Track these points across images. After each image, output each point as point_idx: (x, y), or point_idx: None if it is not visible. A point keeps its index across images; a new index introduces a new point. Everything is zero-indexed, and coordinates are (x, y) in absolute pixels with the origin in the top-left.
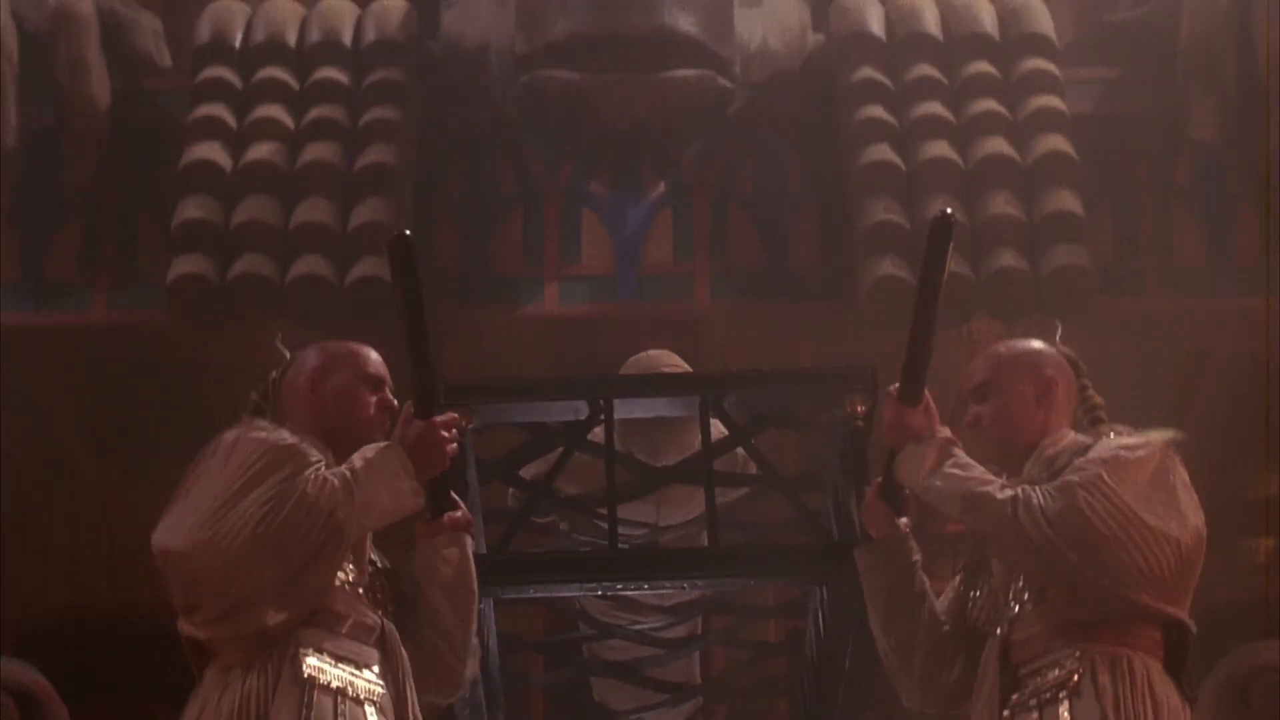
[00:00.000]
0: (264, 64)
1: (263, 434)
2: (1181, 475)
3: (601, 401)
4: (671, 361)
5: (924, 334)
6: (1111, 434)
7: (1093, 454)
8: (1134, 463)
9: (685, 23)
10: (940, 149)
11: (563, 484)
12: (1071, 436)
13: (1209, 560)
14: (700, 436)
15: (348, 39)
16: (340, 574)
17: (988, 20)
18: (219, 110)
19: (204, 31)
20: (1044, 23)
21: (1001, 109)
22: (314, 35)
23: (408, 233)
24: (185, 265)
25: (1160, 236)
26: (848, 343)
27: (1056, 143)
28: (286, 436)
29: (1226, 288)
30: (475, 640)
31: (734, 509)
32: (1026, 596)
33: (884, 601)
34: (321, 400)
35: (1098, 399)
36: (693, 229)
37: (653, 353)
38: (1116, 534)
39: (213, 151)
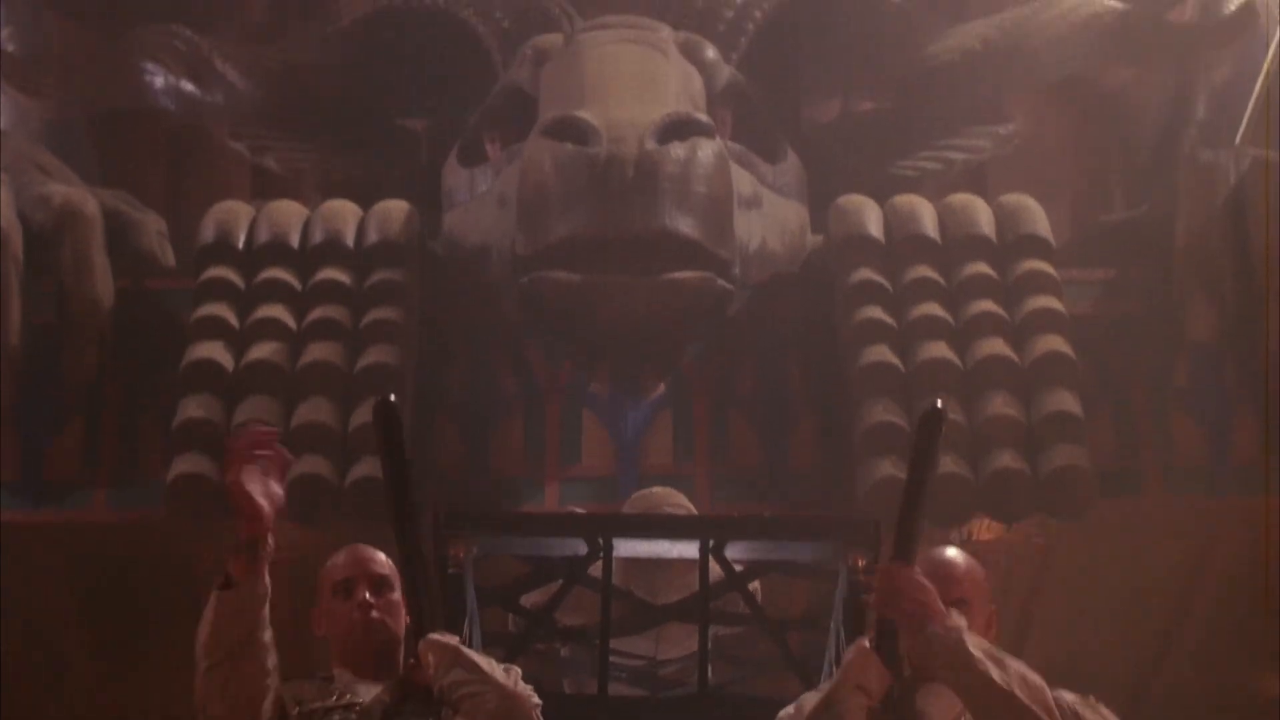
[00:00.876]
0: (267, 264)
1: None
2: None
3: (601, 540)
4: (675, 501)
5: (912, 516)
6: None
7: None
8: None
9: (685, 225)
10: (939, 350)
11: (563, 615)
12: None
13: None
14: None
15: (350, 239)
16: None
17: (985, 222)
18: (221, 310)
19: (208, 232)
20: (1040, 224)
21: (999, 310)
22: (317, 236)
23: (391, 398)
24: (186, 464)
25: (1159, 436)
26: None
27: (1054, 343)
28: None
29: (1226, 486)
30: None
31: (738, 642)
32: None
33: None
34: (322, 632)
35: None
36: (693, 430)
37: (657, 490)
38: None
39: (215, 351)
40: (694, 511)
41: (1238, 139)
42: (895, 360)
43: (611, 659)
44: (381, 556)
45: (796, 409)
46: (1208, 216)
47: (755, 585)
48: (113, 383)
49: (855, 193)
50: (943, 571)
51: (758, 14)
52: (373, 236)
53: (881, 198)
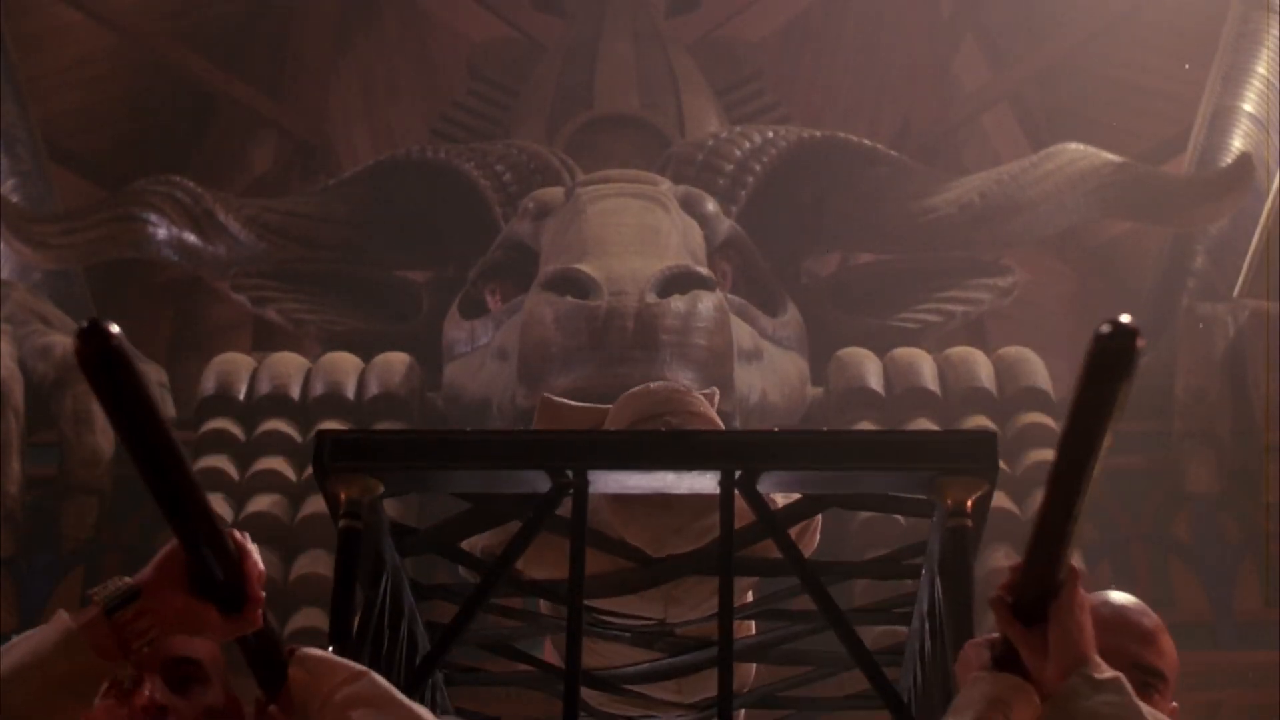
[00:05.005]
0: (267, 416)
1: None
2: None
3: (571, 473)
4: (684, 405)
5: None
6: None
7: None
8: None
9: (686, 378)
10: None
11: (530, 565)
12: None
13: None
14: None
15: (351, 392)
16: None
17: (984, 375)
18: (221, 462)
19: (209, 383)
20: (1040, 377)
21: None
22: (318, 388)
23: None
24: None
25: (1160, 590)
26: None
27: None
28: None
29: (1229, 640)
30: None
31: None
32: None
33: None
34: None
35: None
36: None
37: (656, 388)
38: None
39: (214, 503)
40: (714, 420)
41: (1236, 291)
42: (898, 516)
43: (606, 618)
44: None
45: None
46: (1207, 369)
47: (805, 532)
48: (113, 534)
49: (855, 345)
50: (1130, 621)
51: (757, 167)
52: (373, 389)
53: (881, 350)
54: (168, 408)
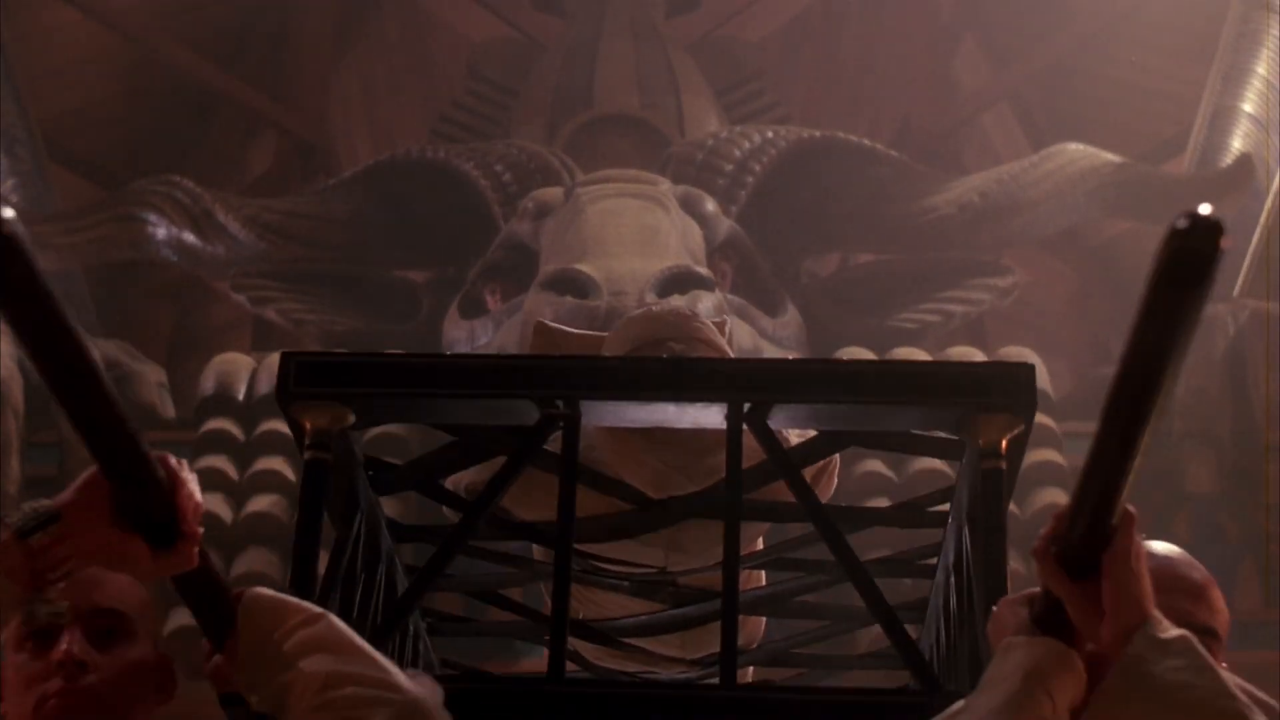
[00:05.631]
0: (267, 416)
1: None
2: None
3: (561, 404)
4: (689, 331)
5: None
6: None
7: None
8: None
9: None
10: None
11: (518, 504)
12: None
13: None
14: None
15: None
16: None
17: None
18: (221, 462)
19: (208, 384)
20: (1040, 378)
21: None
22: None
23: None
24: (183, 617)
25: None
26: None
27: (1054, 496)
28: None
29: (1229, 640)
30: None
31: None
32: None
33: None
34: None
35: None
36: None
37: (659, 310)
38: None
39: (214, 503)
40: (723, 350)
41: (1236, 291)
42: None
43: (602, 565)
44: (123, 581)
45: None
46: (1207, 369)
47: (822, 475)
48: None
49: (855, 345)
50: (1179, 576)
51: (757, 167)
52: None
53: (881, 350)
54: (166, 408)
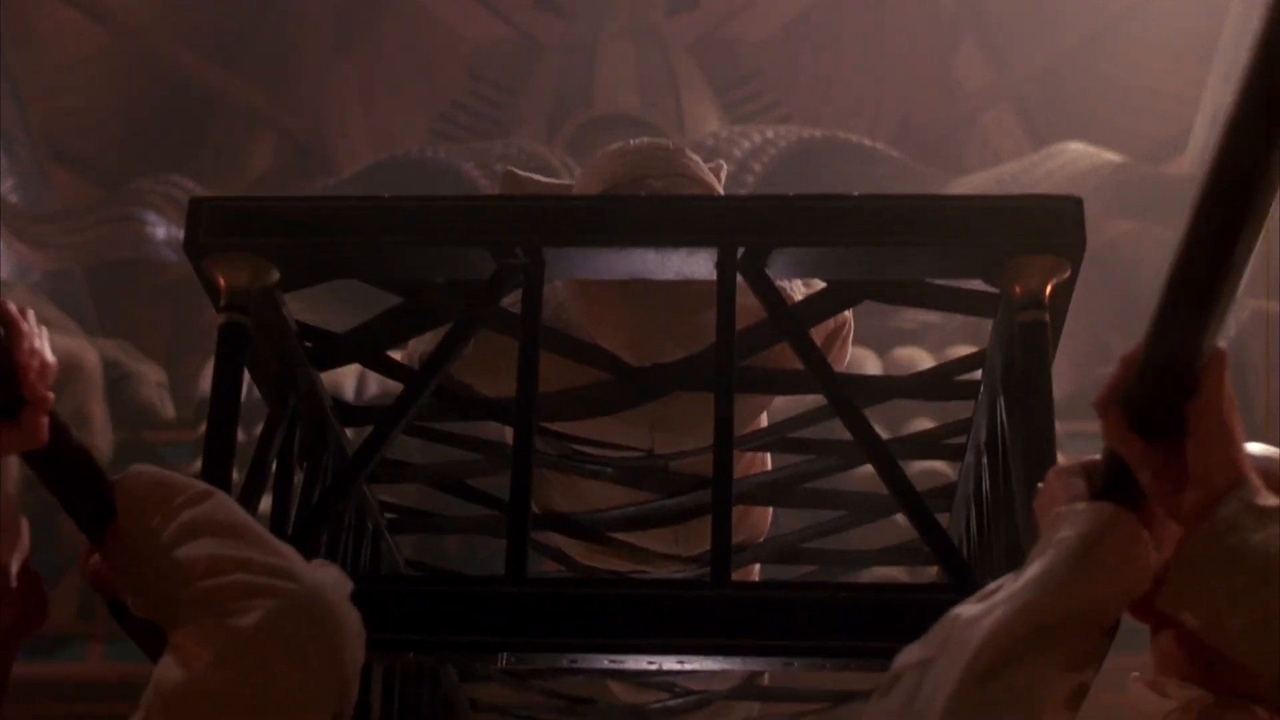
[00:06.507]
0: None
1: None
2: None
3: (520, 251)
4: (674, 167)
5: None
6: None
7: None
8: None
9: None
10: None
11: (477, 375)
12: None
13: None
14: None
15: (350, 392)
16: None
17: None
18: None
19: (208, 384)
20: None
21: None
22: None
23: None
24: None
25: None
26: None
27: None
28: None
29: None
30: None
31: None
32: None
33: None
34: None
35: None
36: None
37: (639, 144)
38: None
39: None
40: (713, 189)
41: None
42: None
43: (580, 448)
44: None
45: None
46: None
47: (834, 342)
48: None
49: (855, 345)
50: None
51: (757, 167)
52: (373, 389)
53: (882, 350)
54: (166, 408)
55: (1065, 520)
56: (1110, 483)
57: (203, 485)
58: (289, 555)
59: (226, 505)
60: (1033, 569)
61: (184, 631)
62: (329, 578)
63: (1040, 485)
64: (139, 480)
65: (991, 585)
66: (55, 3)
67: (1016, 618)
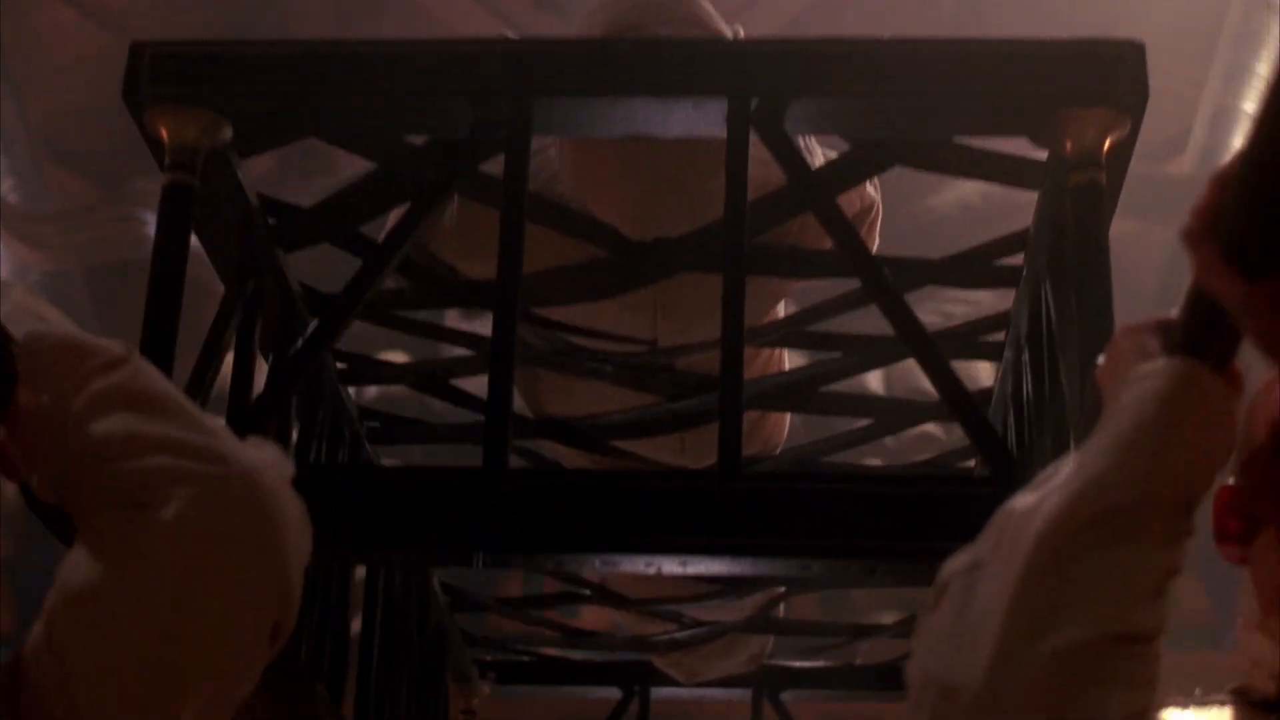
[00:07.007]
0: None
1: None
2: None
3: (503, 105)
4: (679, 12)
5: None
6: None
7: None
8: None
9: None
10: None
11: (464, 252)
12: None
13: None
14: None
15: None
16: None
17: (986, 377)
18: None
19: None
20: None
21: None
22: None
23: None
24: None
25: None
26: None
27: None
28: None
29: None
30: None
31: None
32: None
33: None
34: None
35: None
36: None
37: None
38: None
39: None
40: (718, 30)
41: None
42: None
43: (574, 340)
44: None
45: None
46: None
47: (861, 222)
48: None
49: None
50: None
51: None
52: (372, 393)
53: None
54: None
55: (1146, 378)
56: (1195, 332)
57: (118, 348)
58: (219, 433)
59: (147, 372)
60: (1098, 441)
61: (95, 522)
62: (266, 459)
63: (1108, 348)
64: (43, 341)
65: (1048, 469)
66: (55, 3)
67: (1083, 499)
